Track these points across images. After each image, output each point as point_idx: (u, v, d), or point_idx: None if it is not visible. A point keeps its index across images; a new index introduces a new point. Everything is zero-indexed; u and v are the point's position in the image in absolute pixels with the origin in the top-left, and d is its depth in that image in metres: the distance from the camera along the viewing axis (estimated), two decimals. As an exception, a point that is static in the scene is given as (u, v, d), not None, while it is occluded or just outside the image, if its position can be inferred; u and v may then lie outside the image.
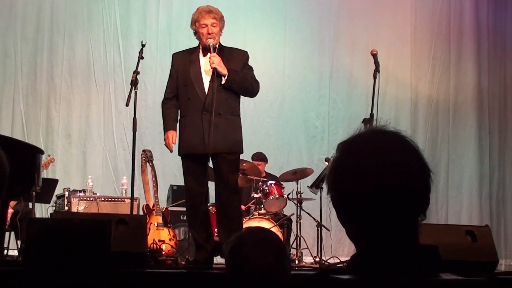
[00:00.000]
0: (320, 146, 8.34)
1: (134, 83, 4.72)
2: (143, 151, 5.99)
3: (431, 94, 8.76)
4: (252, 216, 6.14)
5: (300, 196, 6.44)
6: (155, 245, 5.12)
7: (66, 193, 6.08)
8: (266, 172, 6.90)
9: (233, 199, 4.59)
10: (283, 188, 6.49)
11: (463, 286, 1.18)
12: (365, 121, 4.48)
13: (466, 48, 8.90)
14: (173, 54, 4.81)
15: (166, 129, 4.63)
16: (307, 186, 6.38)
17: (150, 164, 5.88)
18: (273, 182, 6.43)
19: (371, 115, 4.60)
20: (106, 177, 7.70)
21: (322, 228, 6.32)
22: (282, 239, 5.80)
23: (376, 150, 1.21)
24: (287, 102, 8.40)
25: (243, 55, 4.69)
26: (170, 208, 6.27)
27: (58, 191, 6.34)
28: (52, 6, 7.84)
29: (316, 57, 8.52)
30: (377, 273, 1.15)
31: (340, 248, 7.70)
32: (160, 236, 5.49)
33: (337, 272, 1.18)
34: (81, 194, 6.16)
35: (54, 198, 6.31)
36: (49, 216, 5.90)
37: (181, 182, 4.97)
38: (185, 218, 5.66)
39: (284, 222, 6.26)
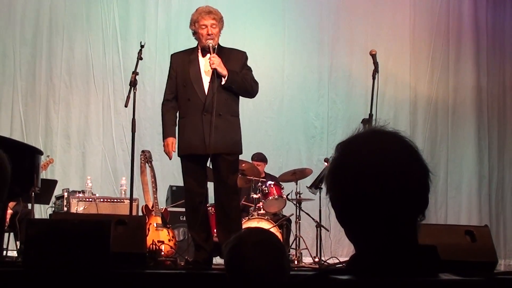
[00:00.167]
0: (319, 146, 8.33)
1: (133, 83, 4.72)
2: (142, 151, 5.98)
3: (430, 94, 8.76)
4: (252, 216, 6.14)
5: (299, 196, 6.44)
6: (154, 246, 5.11)
7: (65, 194, 6.08)
8: (265, 173, 6.90)
9: (232, 199, 4.59)
10: (282, 188, 6.49)
11: (462, 286, 1.18)
12: (364, 121, 4.48)
13: (465, 48, 8.90)
14: (172, 55, 4.80)
15: (165, 136, 4.61)
16: (306, 186, 6.37)
17: (149, 164, 5.88)
18: (272, 182, 6.42)
19: (370, 115, 4.60)
20: (105, 177, 7.69)
21: (321, 228, 6.31)
22: (281, 240, 5.80)
23: (375, 150, 1.21)
24: (286, 103, 8.40)
25: (242, 56, 4.69)
26: (169, 209, 6.27)
27: (57, 192, 6.34)
28: (51, 7, 7.84)
29: (315, 58, 8.52)
30: (376, 273, 1.15)
31: (339, 249, 7.69)
32: (160, 236, 5.48)
33: (336, 273, 1.18)
34: (80, 195, 6.16)
35: (53, 199, 6.30)
36: (48, 217, 5.89)
37: (180, 182, 4.96)
38: (184, 218, 5.65)
39: (284, 223, 6.26)
